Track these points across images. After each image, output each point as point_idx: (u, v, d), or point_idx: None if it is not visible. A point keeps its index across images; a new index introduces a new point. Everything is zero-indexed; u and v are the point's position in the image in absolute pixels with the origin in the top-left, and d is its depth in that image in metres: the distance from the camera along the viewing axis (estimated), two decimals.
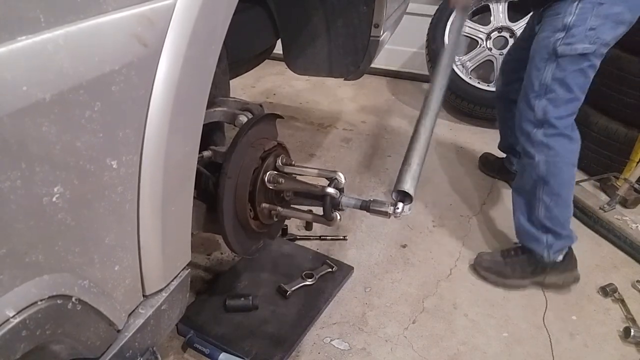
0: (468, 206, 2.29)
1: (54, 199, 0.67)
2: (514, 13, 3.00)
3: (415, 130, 1.34)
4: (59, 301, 0.72)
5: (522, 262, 1.81)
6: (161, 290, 0.98)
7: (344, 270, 1.80)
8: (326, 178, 1.38)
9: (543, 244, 1.75)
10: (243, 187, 1.31)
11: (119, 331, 0.89)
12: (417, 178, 1.25)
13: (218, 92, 1.47)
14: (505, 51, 2.99)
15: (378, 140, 2.85)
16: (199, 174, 1.16)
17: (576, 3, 1.52)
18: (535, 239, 1.76)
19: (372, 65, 1.97)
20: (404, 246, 2.01)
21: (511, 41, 3.00)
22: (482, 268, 1.86)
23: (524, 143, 1.71)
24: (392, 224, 2.11)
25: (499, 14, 3.02)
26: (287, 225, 1.98)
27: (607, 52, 1.59)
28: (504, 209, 2.24)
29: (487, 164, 2.57)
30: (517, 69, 1.89)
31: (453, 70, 2.98)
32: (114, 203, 0.78)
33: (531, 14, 1.91)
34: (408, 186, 1.23)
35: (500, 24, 3.02)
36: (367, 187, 2.39)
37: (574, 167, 1.72)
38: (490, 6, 3.02)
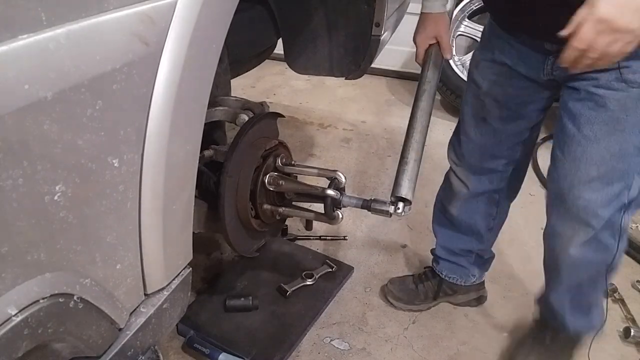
0: None
1: (55, 198, 0.67)
2: None
3: (410, 128, 1.33)
4: (60, 300, 0.72)
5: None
6: (162, 289, 0.98)
7: (344, 270, 1.80)
8: (326, 178, 1.38)
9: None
10: (244, 186, 1.31)
11: (120, 330, 0.89)
12: (414, 180, 1.26)
13: (219, 91, 1.47)
14: None
15: (378, 140, 2.85)
16: (200, 173, 1.16)
17: None
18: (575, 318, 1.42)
19: (372, 65, 1.97)
20: (404, 246, 2.01)
21: None
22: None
23: (595, 234, 1.21)
24: (392, 224, 2.11)
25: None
26: (287, 225, 1.97)
27: None
28: None
29: (407, 292, 1.71)
30: (487, 159, 1.45)
31: (453, 70, 2.99)
32: (115, 202, 0.79)
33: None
34: (406, 191, 1.24)
35: None
36: (367, 187, 2.39)
37: None
38: None
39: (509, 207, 1.62)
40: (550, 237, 1.32)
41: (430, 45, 1.39)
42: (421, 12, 1.38)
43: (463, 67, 3.02)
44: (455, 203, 1.58)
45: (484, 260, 1.68)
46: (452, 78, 2.96)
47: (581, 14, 0.86)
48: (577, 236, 1.23)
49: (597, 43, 0.86)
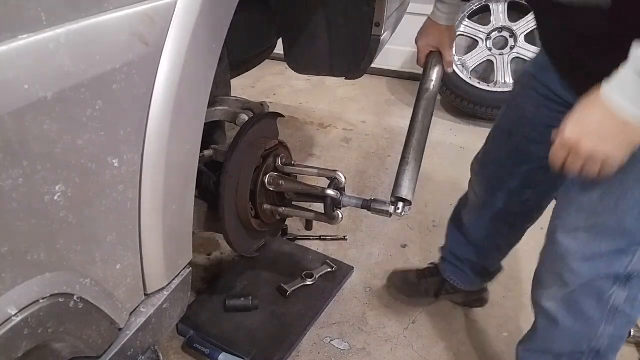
0: None
1: (55, 198, 0.67)
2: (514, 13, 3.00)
3: (411, 128, 1.33)
4: (60, 299, 0.72)
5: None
6: (163, 289, 0.98)
7: (344, 270, 1.80)
8: (326, 178, 1.38)
9: None
10: (244, 185, 1.31)
11: (120, 330, 0.89)
12: (414, 180, 1.25)
13: (219, 91, 1.47)
14: (505, 51, 3.00)
15: (378, 140, 2.85)
16: (200, 172, 1.16)
17: None
18: None
19: (372, 65, 1.97)
20: (404, 246, 2.01)
21: (511, 41, 2.99)
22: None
23: (570, 293, 1.06)
24: (392, 224, 2.11)
25: (499, 14, 3.02)
26: (287, 225, 1.97)
27: None
28: None
29: (408, 286, 1.71)
30: (503, 174, 1.36)
31: (453, 70, 2.98)
32: (115, 202, 0.79)
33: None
34: (406, 192, 1.23)
35: (500, 24, 3.01)
36: (367, 187, 2.39)
37: None
38: (490, 6, 3.02)
39: (523, 231, 1.49)
40: (534, 278, 1.19)
41: (431, 51, 1.36)
42: (428, 18, 1.34)
43: (463, 67, 3.02)
44: (468, 212, 1.55)
45: (489, 272, 1.64)
46: (452, 78, 2.96)
47: (561, 127, 0.85)
48: (552, 289, 1.09)
49: (569, 165, 0.85)
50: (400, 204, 1.25)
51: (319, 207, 1.38)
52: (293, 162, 1.43)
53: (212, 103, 1.40)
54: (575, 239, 1.01)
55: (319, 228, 2.03)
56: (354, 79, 2.03)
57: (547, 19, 1.06)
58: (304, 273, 1.72)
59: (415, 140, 1.29)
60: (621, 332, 1.10)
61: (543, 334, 1.17)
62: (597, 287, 1.02)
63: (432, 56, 1.36)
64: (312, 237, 1.99)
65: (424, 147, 1.31)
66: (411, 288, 1.70)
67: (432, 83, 1.34)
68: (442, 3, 1.28)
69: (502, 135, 1.35)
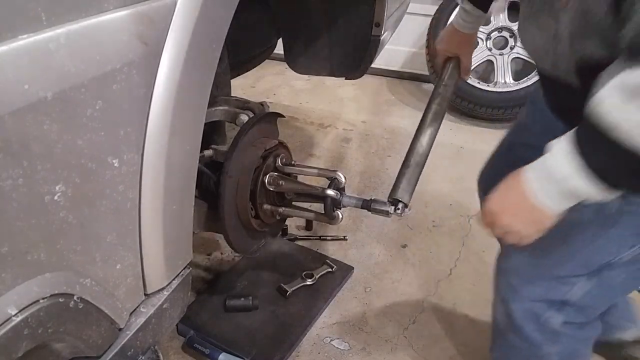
0: (468, 206, 2.29)
1: (55, 198, 0.67)
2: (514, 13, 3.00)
3: (418, 131, 1.33)
4: (60, 299, 0.72)
5: None
6: (163, 289, 0.98)
7: (344, 270, 1.80)
8: (326, 178, 1.38)
9: None
10: (244, 186, 1.31)
11: (120, 330, 0.90)
12: (414, 183, 1.25)
13: (219, 91, 1.47)
14: (505, 51, 2.99)
15: (378, 140, 2.85)
16: (200, 173, 1.16)
17: None
18: None
19: (372, 65, 1.97)
20: (404, 246, 2.01)
21: (511, 41, 2.99)
22: None
23: (510, 311, 1.08)
24: (392, 224, 2.11)
25: (499, 14, 3.02)
26: (287, 225, 1.97)
27: None
28: None
29: None
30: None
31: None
32: (115, 202, 0.79)
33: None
34: (403, 194, 1.23)
35: (500, 24, 3.01)
36: (367, 187, 2.39)
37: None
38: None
39: None
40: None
41: (449, 57, 1.36)
42: (450, 24, 1.34)
43: None
44: None
45: None
46: None
47: (488, 197, 0.89)
48: (496, 302, 1.13)
49: (493, 231, 0.89)
50: (400, 204, 1.25)
51: (319, 207, 1.38)
52: (293, 162, 1.43)
53: (212, 103, 1.40)
54: (523, 259, 1.04)
55: (319, 228, 2.03)
56: (354, 79, 2.03)
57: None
58: (304, 273, 1.72)
59: (420, 144, 1.29)
60: (572, 349, 1.10)
61: (501, 350, 1.21)
62: (535, 312, 1.04)
63: (449, 61, 1.37)
64: (312, 237, 1.99)
65: (429, 151, 1.30)
66: None
67: (446, 88, 1.35)
68: (467, 13, 1.27)
69: (502, 146, 1.37)
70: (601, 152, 0.71)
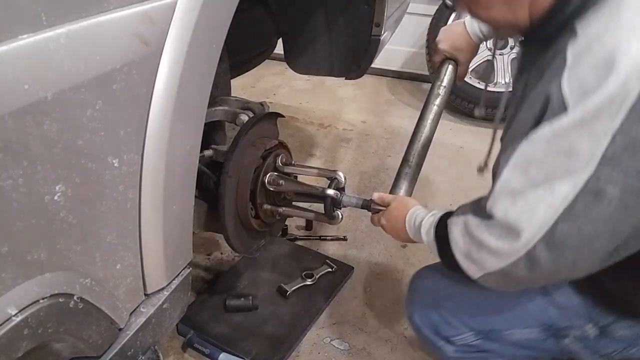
0: None
1: (55, 198, 0.67)
2: None
3: (416, 131, 1.33)
4: (60, 299, 0.72)
5: None
6: (163, 289, 0.99)
7: (344, 270, 1.80)
8: (326, 178, 1.38)
9: None
10: (244, 186, 1.31)
11: (120, 330, 0.90)
12: (413, 182, 1.26)
13: (219, 91, 1.47)
14: (505, 51, 2.99)
15: (378, 140, 2.85)
16: (200, 173, 1.16)
17: None
18: None
19: (372, 65, 1.97)
20: (404, 246, 2.01)
21: (511, 41, 2.99)
22: None
23: (431, 347, 1.18)
24: None
25: None
26: (287, 225, 1.97)
27: None
28: None
29: None
30: None
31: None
32: (115, 202, 0.79)
33: None
34: (402, 194, 1.24)
35: None
36: (367, 187, 2.39)
37: None
38: None
39: None
40: None
41: (447, 58, 1.36)
42: (462, 24, 1.32)
43: None
44: None
45: None
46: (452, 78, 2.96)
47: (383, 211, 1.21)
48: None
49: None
50: None
51: (319, 207, 1.38)
52: (293, 162, 1.43)
53: (212, 103, 1.40)
54: (428, 289, 1.21)
55: (319, 228, 2.03)
56: (354, 79, 2.03)
57: None
58: (304, 273, 1.72)
59: (419, 144, 1.29)
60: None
61: None
62: (429, 339, 1.15)
63: (447, 62, 1.37)
64: (312, 237, 1.99)
65: (427, 151, 1.31)
66: None
67: (444, 89, 1.35)
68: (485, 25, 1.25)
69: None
70: (443, 245, 1.03)
